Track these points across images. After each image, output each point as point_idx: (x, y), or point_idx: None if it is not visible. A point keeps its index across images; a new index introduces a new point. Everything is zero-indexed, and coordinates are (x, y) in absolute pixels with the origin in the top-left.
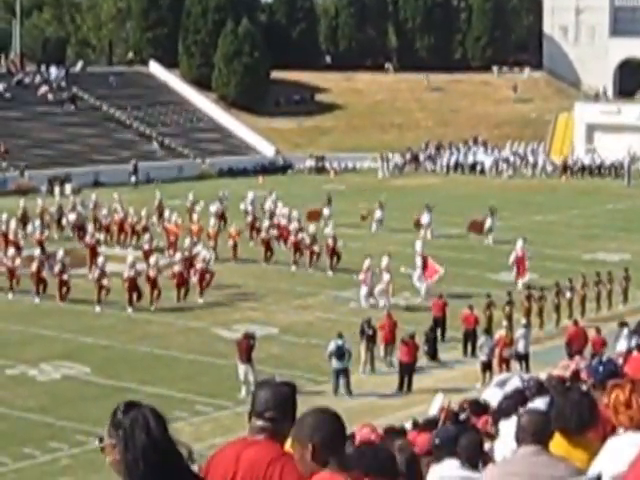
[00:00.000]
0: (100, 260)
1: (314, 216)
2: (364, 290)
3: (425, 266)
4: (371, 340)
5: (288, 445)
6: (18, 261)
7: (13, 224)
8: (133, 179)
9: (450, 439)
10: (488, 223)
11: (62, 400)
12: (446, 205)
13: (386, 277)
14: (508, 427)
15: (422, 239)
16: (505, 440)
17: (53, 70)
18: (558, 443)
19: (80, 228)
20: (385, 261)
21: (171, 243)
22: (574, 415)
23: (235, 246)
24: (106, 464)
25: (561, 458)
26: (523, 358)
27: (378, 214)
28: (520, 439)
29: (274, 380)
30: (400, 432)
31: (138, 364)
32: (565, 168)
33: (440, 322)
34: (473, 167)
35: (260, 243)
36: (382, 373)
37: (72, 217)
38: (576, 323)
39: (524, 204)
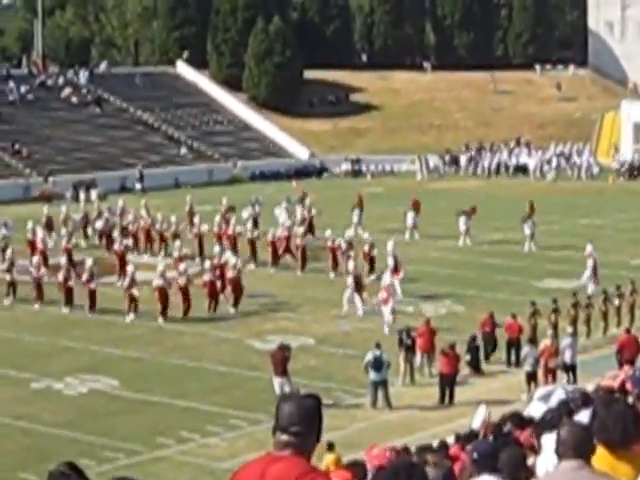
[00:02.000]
0: (130, 268)
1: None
2: (388, 310)
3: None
4: (410, 350)
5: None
6: (43, 270)
7: (40, 232)
8: (139, 186)
9: (489, 453)
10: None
11: (89, 415)
12: (487, 209)
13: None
14: (551, 441)
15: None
16: (548, 455)
17: (82, 74)
18: (601, 457)
19: (108, 235)
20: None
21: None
22: (618, 427)
23: (275, 253)
24: None
25: (604, 473)
26: (570, 368)
27: (410, 219)
28: (561, 453)
29: (298, 393)
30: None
31: (169, 377)
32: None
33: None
34: (516, 169)
35: (295, 250)
36: (422, 385)
37: (99, 224)
38: (628, 331)
39: (569, 207)
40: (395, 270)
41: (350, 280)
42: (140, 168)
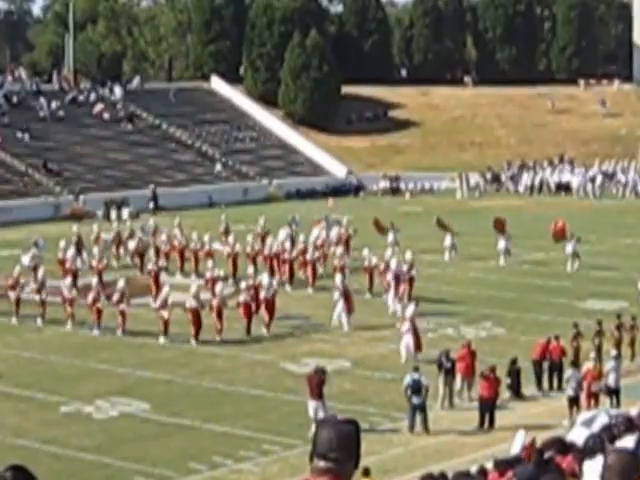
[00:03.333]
0: (166, 289)
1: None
2: (407, 340)
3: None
4: (449, 373)
5: None
6: (74, 291)
7: (71, 251)
8: (151, 205)
9: (528, 479)
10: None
11: (119, 439)
12: (529, 228)
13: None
14: (593, 467)
15: (394, 255)
16: None
17: (117, 90)
18: None
19: (141, 255)
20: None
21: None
22: None
23: (314, 273)
24: None
25: None
26: (613, 392)
27: (448, 240)
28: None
29: (336, 418)
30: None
31: (201, 400)
32: None
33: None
34: (559, 187)
35: (333, 271)
36: (462, 409)
37: (132, 244)
38: None
39: (613, 226)
40: (396, 288)
41: (337, 295)
42: (153, 187)
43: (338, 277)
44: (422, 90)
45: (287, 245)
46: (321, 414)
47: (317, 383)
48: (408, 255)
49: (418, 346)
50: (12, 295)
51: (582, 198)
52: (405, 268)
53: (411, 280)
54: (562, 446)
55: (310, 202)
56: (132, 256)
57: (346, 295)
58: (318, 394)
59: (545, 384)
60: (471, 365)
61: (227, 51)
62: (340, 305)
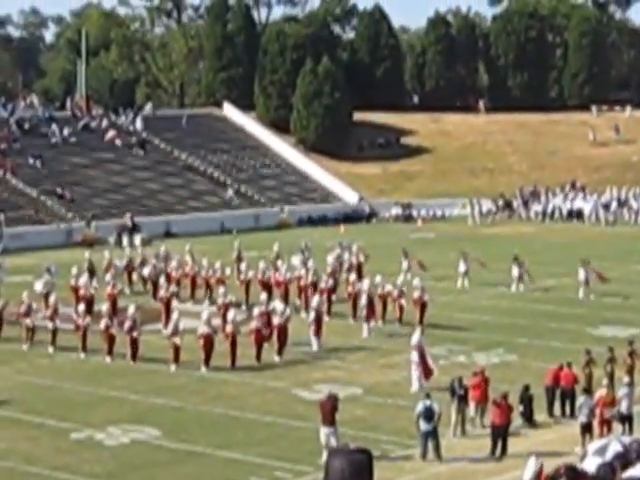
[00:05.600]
0: (175, 315)
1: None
2: (416, 374)
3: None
4: (462, 400)
5: None
6: (88, 319)
7: (84, 278)
8: (124, 239)
9: None
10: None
11: (131, 466)
12: (541, 255)
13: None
14: None
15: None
16: None
17: (139, 121)
18: None
19: (154, 282)
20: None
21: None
22: None
23: (329, 301)
24: None
25: None
26: (626, 419)
27: (462, 267)
28: None
29: (348, 447)
30: None
31: (212, 427)
32: None
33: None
34: (570, 214)
35: (347, 297)
36: (474, 436)
37: (146, 270)
38: None
39: (625, 253)
40: (370, 311)
41: (312, 315)
42: (130, 215)
43: (315, 298)
44: (434, 117)
45: (302, 272)
46: (333, 441)
47: (330, 409)
48: (416, 281)
49: (426, 374)
50: (27, 322)
51: (593, 224)
52: (417, 294)
53: (423, 305)
54: (574, 474)
55: (322, 229)
56: (144, 282)
57: (318, 316)
58: (331, 420)
59: (557, 411)
60: (485, 392)
61: (239, 78)
62: (312, 328)
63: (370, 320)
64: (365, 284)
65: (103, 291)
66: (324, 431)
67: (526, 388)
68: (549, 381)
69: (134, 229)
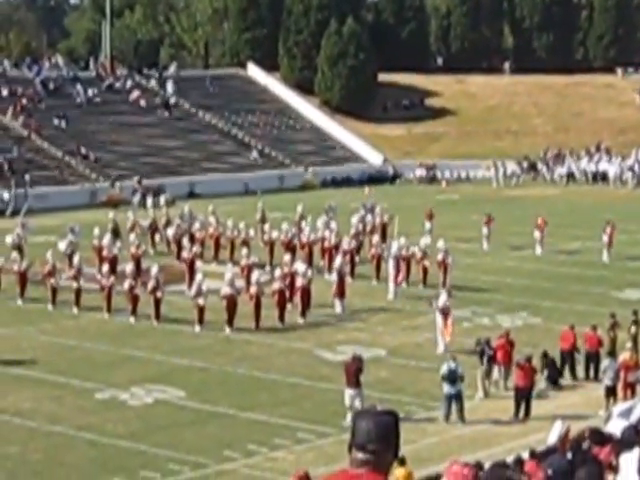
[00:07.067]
0: (199, 277)
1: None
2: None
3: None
4: (491, 361)
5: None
6: (112, 279)
7: (107, 239)
8: (137, 198)
9: (564, 470)
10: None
11: (154, 426)
12: (565, 218)
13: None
14: (630, 460)
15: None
16: (627, 474)
17: (170, 84)
18: None
19: (179, 242)
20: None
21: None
22: None
23: (352, 262)
24: None
25: None
26: None
27: (485, 230)
28: None
29: (375, 409)
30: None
31: (236, 388)
32: None
33: (568, 357)
34: (595, 176)
35: (370, 259)
36: (498, 398)
37: (170, 231)
38: None
39: None
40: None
41: (335, 277)
42: (138, 178)
43: (338, 259)
44: (458, 78)
45: (326, 233)
46: (358, 403)
47: (355, 371)
48: (440, 243)
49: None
50: (51, 282)
51: (618, 187)
52: (440, 256)
53: (445, 268)
54: (599, 437)
55: (346, 190)
56: (168, 243)
57: (341, 279)
58: (355, 382)
59: (581, 374)
60: (509, 354)
61: (263, 38)
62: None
63: (398, 282)
64: (394, 246)
65: (126, 251)
66: (349, 393)
67: (545, 354)
68: (568, 345)
69: (147, 192)
